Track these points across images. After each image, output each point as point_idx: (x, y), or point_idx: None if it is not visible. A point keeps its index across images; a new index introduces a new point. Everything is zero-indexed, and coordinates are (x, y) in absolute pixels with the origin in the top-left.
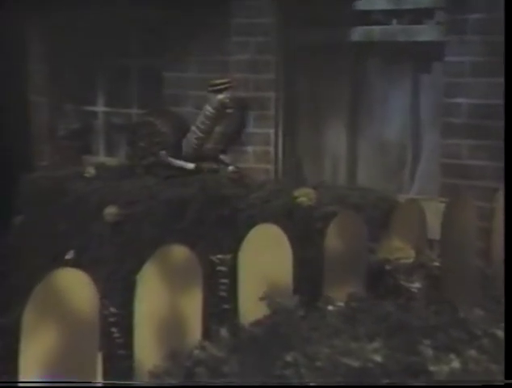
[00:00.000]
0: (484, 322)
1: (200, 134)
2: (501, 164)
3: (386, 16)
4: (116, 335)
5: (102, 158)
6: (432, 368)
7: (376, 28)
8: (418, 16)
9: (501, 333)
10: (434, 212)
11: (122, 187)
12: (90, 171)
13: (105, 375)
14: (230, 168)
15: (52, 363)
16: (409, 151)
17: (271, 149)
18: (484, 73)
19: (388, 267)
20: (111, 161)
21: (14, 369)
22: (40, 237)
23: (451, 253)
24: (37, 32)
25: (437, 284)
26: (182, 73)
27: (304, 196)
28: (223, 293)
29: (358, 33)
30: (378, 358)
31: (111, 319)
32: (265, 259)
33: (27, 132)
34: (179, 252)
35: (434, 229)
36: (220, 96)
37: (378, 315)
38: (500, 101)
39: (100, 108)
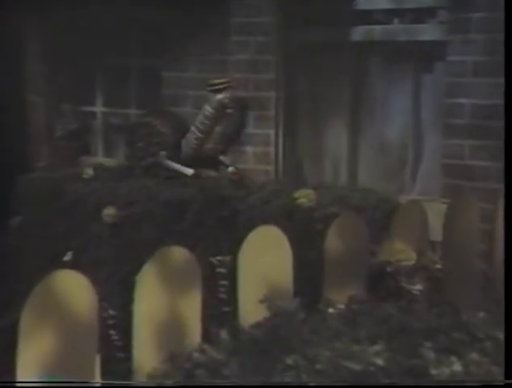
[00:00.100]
0: (486, 324)
1: (200, 134)
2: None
3: (387, 15)
4: (115, 337)
5: (100, 159)
6: (433, 370)
7: (377, 28)
8: (420, 15)
9: (503, 336)
10: (435, 214)
11: (121, 188)
12: (89, 172)
13: (103, 377)
14: (230, 169)
15: (50, 365)
16: (411, 152)
17: (271, 149)
18: (486, 73)
19: (389, 269)
20: (109, 162)
21: (13, 371)
22: (38, 238)
23: (452, 255)
24: (35, 32)
25: (439, 286)
26: (181, 73)
27: (305, 197)
28: (222, 295)
29: (358, 33)
30: (379, 361)
31: (110, 321)
32: (265, 260)
33: (25, 133)
34: (178, 254)
35: (436, 230)
36: (220, 96)
37: (379, 318)
38: (502, 101)
39: (99, 108)
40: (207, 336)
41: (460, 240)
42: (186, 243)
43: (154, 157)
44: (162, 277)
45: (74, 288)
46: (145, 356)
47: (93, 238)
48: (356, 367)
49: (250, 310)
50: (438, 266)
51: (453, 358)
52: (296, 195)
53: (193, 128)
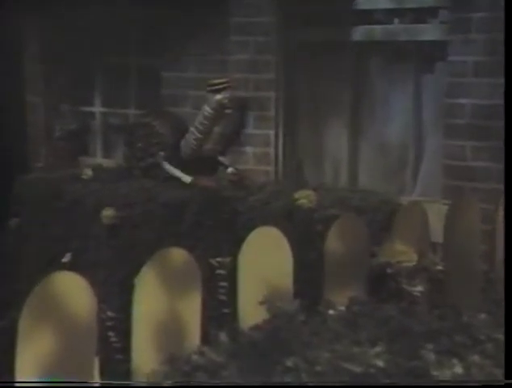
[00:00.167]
0: (487, 326)
1: (199, 135)
2: None
3: (387, 15)
4: (114, 339)
5: (99, 160)
6: (435, 373)
7: (378, 28)
8: (421, 15)
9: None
10: (436, 215)
11: (119, 189)
12: (87, 173)
13: (102, 379)
14: (229, 170)
15: (48, 367)
16: (411, 152)
17: (271, 150)
18: (487, 73)
19: (389, 271)
20: (108, 162)
21: (12, 372)
22: (37, 239)
23: (454, 256)
24: (34, 32)
25: (440, 287)
26: (180, 73)
27: (305, 198)
28: (222, 297)
29: (359, 32)
30: (380, 363)
31: (109, 323)
32: (265, 262)
33: (24, 133)
34: (178, 255)
35: (437, 231)
36: (219, 96)
37: (380, 319)
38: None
39: (97, 109)
40: (206, 338)
41: (461, 241)
42: (186, 245)
43: (153, 157)
44: (161, 279)
45: (73, 290)
46: (144, 358)
47: (92, 240)
48: (356, 369)
49: (250, 312)
50: (439, 267)
51: (454, 360)
52: (296, 196)
53: (192, 129)
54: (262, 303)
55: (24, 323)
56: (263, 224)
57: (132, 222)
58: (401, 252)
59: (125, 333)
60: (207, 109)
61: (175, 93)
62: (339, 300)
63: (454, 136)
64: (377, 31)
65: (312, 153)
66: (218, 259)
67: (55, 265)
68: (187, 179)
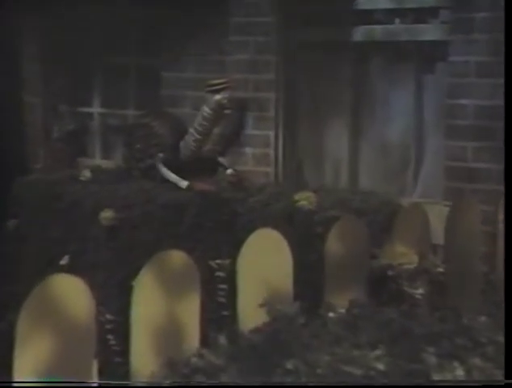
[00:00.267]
0: (488, 329)
1: (198, 136)
2: None
3: (388, 15)
4: (112, 342)
5: (98, 161)
6: (435, 376)
7: (378, 28)
8: (422, 15)
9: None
10: (437, 217)
11: (118, 190)
12: (86, 174)
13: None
14: (229, 171)
15: (46, 370)
16: (412, 153)
17: (271, 151)
18: (489, 73)
19: (390, 273)
20: (107, 163)
21: (10, 374)
22: (35, 241)
23: (455, 258)
24: (32, 32)
25: (441, 290)
26: (180, 73)
27: (305, 199)
28: (221, 299)
29: (359, 33)
30: (380, 366)
31: (107, 326)
32: (264, 264)
33: (22, 134)
34: (177, 257)
35: (438, 233)
36: (218, 97)
37: (380, 322)
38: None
39: (96, 109)
40: (205, 341)
41: (462, 243)
42: (185, 247)
43: (152, 159)
44: (160, 281)
45: (71, 293)
46: (143, 360)
47: (90, 242)
48: (357, 372)
49: (250, 315)
50: (440, 269)
51: (455, 363)
52: (296, 197)
53: (191, 130)
54: (261, 305)
55: (22, 326)
56: (263, 225)
57: (131, 224)
58: (402, 254)
59: (124, 336)
60: (206, 110)
61: (174, 93)
62: (339, 302)
63: (455, 137)
64: (378, 31)
65: (312, 155)
66: (217, 261)
67: (53, 267)
68: (183, 183)
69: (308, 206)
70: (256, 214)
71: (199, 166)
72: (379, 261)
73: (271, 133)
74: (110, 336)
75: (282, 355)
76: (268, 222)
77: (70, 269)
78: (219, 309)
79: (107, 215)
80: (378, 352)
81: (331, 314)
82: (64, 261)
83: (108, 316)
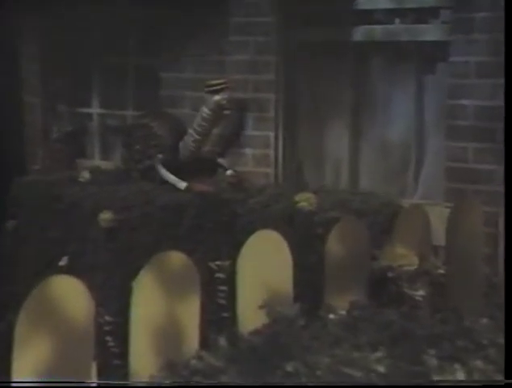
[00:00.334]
0: (490, 331)
1: (197, 136)
2: None
3: (388, 15)
4: (111, 343)
5: (97, 162)
6: (436, 378)
7: (378, 28)
8: (422, 15)
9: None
10: (438, 218)
11: (117, 191)
12: (85, 175)
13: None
14: (228, 172)
15: (45, 371)
16: (413, 154)
17: (271, 152)
18: (490, 73)
19: (391, 275)
20: (106, 165)
21: (8, 376)
22: (34, 242)
23: (456, 260)
24: (31, 32)
25: (442, 291)
26: (179, 73)
27: (305, 200)
28: (221, 301)
29: (359, 33)
30: (381, 368)
31: (106, 328)
32: (264, 265)
33: (20, 135)
34: (176, 259)
35: (439, 235)
36: (217, 97)
37: (381, 324)
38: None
39: (95, 110)
40: (205, 343)
41: (464, 244)
42: (185, 248)
43: (151, 160)
44: (160, 283)
45: (70, 294)
46: (142, 363)
47: (89, 243)
48: (357, 374)
49: (250, 316)
50: (441, 271)
51: (456, 365)
52: (297, 198)
53: (191, 131)
54: (261, 307)
55: (21, 327)
56: (263, 227)
57: (130, 225)
58: (403, 255)
59: (123, 337)
60: (205, 110)
61: (174, 94)
62: (340, 304)
63: (456, 137)
64: (378, 31)
65: (312, 155)
66: (217, 263)
67: (52, 268)
68: (182, 184)
69: (309, 207)
70: (256, 215)
71: (199, 166)
72: (379, 262)
73: (271, 134)
74: (109, 338)
75: (282, 357)
76: (268, 223)
77: (69, 270)
78: (218, 310)
79: (106, 216)
80: (378, 354)
81: (331, 316)
82: (63, 262)
83: (107, 318)
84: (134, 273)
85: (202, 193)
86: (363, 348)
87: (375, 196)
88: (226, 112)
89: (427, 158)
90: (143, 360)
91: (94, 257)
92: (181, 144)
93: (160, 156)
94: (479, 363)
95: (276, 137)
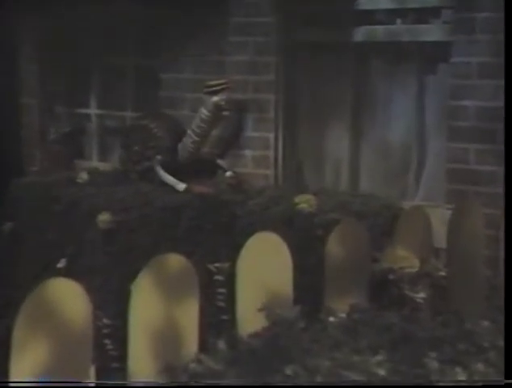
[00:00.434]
0: (491, 334)
1: (196, 138)
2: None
3: (389, 15)
4: (110, 347)
5: (95, 163)
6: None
7: (379, 28)
8: (423, 15)
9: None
10: (439, 220)
11: (116, 193)
12: (83, 177)
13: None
14: (228, 173)
15: (43, 375)
16: (414, 156)
17: (271, 153)
18: (492, 74)
19: (391, 277)
20: (104, 166)
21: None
22: (31, 244)
23: (457, 262)
24: (29, 32)
25: (443, 294)
26: (178, 74)
27: (305, 202)
28: (220, 304)
29: (360, 33)
30: (381, 371)
31: (105, 331)
32: (264, 267)
33: (18, 136)
34: (175, 261)
35: (440, 237)
36: (216, 98)
37: (381, 327)
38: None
39: (93, 111)
40: (204, 346)
41: (465, 247)
42: (183, 250)
43: (150, 161)
44: (158, 285)
45: (68, 297)
46: (141, 366)
47: (87, 245)
48: (357, 378)
49: (249, 319)
50: (442, 273)
51: (457, 369)
52: (296, 200)
53: (189, 132)
54: (261, 310)
55: (19, 330)
56: (262, 229)
57: (129, 227)
58: (403, 258)
59: (121, 340)
60: (204, 111)
61: (173, 95)
62: (340, 306)
63: (457, 138)
64: (379, 31)
65: (312, 157)
66: (216, 265)
67: (50, 271)
68: (181, 186)
69: (309, 209)
70: (255, 217)
71: (198, 168)
72: (380, 265)
73: (271, 135)
74: (107, 341)
75: (281, 360)
76: (268, 225)
77: (67, 273)
78: (218, 313)
79: (104, 218)
80: (379, 358)
81: (331, 319)
82: (61, 264)
83: (106, 320)
84: (132, 275)
85: (201, 195)
86: (364, 351)
87: (375, 197)
88: (225, 113)
89: (428, 159)
90: (142, 364)
91: (92, 259)
92: (180, 145)
93: (159, 157)
94: (480, 366)
95: (276, 138)
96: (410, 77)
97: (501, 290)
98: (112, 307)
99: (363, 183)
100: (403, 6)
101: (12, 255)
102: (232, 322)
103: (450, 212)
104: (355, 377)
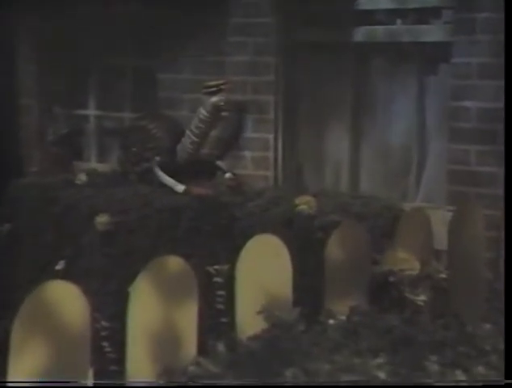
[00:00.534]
0: (492, 337)
1: (195, 139)
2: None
3: (389, 16)
4: (108, 349)
5: (93, 164)
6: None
7: (379, 28)
8: (424, 16)
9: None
10: (440, 221)
11: (114, 194)
12: (81, 178)
13: None
14: (227, 175)
15: (41, 377)
16: (415, 157)
17: (270, 154)
18: (492, 75)
19: (392, 279)
20: (103, 167)
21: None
22: (29, 246)
23: (458, 264)
24: (28, 32)
25: (444, 296)
26: (177, 74)
27: (305, 204)
28: (220, 306)
29: (360, 33)
30: (381, 374)
31: (103, 333)
32: (263, 270)
33: (16, 137)
34: (174, 263)
35: (441, 238)
36: (214, 98)
37: (381, 329)
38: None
39: (92, 112)
40: (203, 349)
41: (466, 249)
42: (182, 252)
43: (149, 162)
44: (157, 287)
45: (66, 299)
46: (139, 369)
47: (86, 247)
48: (358, 382)
49: (248, 321)
50: (443, 275)
51: (458, 372)
52: (296, 202)
53: (188, 133)
54: (260, 312)
55: (17, 333)
56: (262, 230)
57: (128, 229)
58: (404, 260)
59: (120, 343)
60: (202, 112)
61: (172, 95)
62: (340, 309)
63: (458, 140)
64: (379, 31)
65: (312, 158)
66: (215, 267)
67: (48, 273)
68: (180, 187)
69: (308, 211)
70: (255, 219)
71: (197, 169)
72: (380, 267)
73: (271, 136)
74: (105, 343)
75: (281, 363)
76: (267, 227)
77: (65, 275)
78: (217, 315)
79: (102, 220)
80: (379, 360)
81: (331, 321)
82: (59, 266)
83: (104, 323)
84: (131, 278)
85: (200, 196)
86: (364, 354)
87: (375, 199)
88: (224, 114)
89: (429, 160)
90: (140, 366)
91: (91, 261)
92: (179, 146)
93: (157, 158)
94: (481, 369)
95: (276, 140)
96: (410, 77)
97: (502, 292)
98: (111, 309)
99: (363, 184)
100: (403, 6)
101: (10, 256)
102: (232, 324)
103: (450, 213)
104: (355, 379)
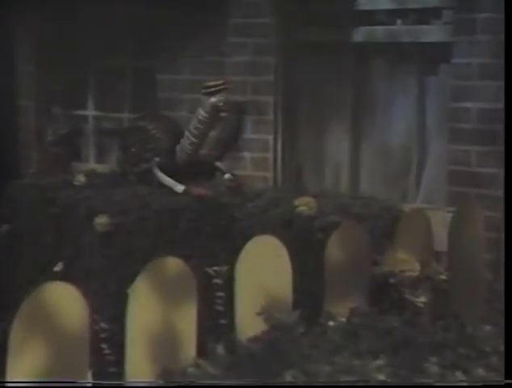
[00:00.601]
0: (493, 338)
1: (194, 139)
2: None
3: (389, 16)
4: (107, 351)
5: (92, 165)
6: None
7: (380, 29)
8: (424, 16)
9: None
10: (440, 223)
11: (113, 195)
12: (80, 179)
13: None
14: (226, 175)
15: (40, 379)
16: (415, 158)
17: (270, 155)
18: (493, 75)
19: (392, 281)
20: (101, 168)
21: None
22: (28, 247)
23: (458, 265)
24: (27, 33)
25: (444, 298)
26: (176, 75)
27: (305, 205)
28: (219, 307)
29: (360, 34)
30: (381, 376)
31: (102, 335)
32: (263, 271)
33: (14, 138)
34: (173, 264)
35: (441, 240)
36: (213, 99)
37: (381, 331)
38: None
39: (90, 112)
40: (202, 350)
41: (466, 250)
42: (181, 253)
43: (148, 163)
44: (156, 289)
45: (65, 301)
46: (138, 370)
47: (84, 248)
48: (357, 382)
49: (248, 323)
50: (443, 277)
51: (458, 373)
52: (296, 203)
53: (187, 133)
54: (260, 314)
55: (15, 334)
56: (261, 232)
57: (127, 230)
58: (404, 261)
59: (119, 345)
60: (201, 112)
61: (171, 96)
62: (340, 310)
63: (458, 140)
64: (379, 32)
65: (312, 159)
66: (215, 268)
67: (46, 274)
68: (180, 188)
69: (308, 212)
70: (254, 220)
71: (196, 170)
72: (380, 268)
73: (270, 137)
74: (104, 345)
75: (281, 364)
76: (267, 228)
77: (64, 276)
78: (216, 317)
79: (101, 220)
80: (379, 362)
81: (331, 323)
82: (58, 268)
83: (103, 324)
84: (130, 279)
85: (199, 197)
86: (364, 356)
87: (375, 200)
88: (223, 115)
89: (429, 161)
90: (139, 368)
91: (90, 262)
92: (178, 147)
93: (157, 159)
94: (481, 371)
95: (275, 140)
96: (411, 78)
97: (502, 294)
98: (109, 311)
99: (363, 185)
100: (403, 6)
101: (8, 257)
102: (231, 326)
103: (451, 214)
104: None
